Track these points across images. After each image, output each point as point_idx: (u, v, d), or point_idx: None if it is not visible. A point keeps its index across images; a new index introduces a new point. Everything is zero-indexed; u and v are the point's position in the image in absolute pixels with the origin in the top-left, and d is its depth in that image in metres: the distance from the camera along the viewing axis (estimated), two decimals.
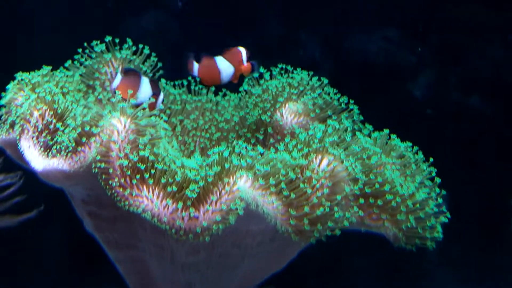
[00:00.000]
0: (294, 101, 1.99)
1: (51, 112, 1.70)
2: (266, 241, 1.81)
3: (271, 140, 2.00)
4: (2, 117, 1.81)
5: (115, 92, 1.75)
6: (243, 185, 1.53)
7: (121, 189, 1.56)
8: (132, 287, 1.98)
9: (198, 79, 2.05)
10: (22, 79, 1.81)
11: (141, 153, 1.56)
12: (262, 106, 2.01)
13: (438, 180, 1.78)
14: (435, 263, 2.72)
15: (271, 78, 2.04)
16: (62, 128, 1.66)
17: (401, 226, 1.67)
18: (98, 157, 1.57)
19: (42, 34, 2.69)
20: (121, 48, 2.02)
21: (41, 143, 1.67)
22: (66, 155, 1.61)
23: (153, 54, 2.06)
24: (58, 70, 1.94)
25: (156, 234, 1.74)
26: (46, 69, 1.87)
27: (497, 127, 2.71)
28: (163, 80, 2.11)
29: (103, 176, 1.57)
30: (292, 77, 2.01)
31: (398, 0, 2.73)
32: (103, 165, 1.57)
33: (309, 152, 1.60)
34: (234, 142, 1.62)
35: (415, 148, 1.83)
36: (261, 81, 2.05)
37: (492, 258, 2.71)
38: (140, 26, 2.76)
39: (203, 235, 1.54)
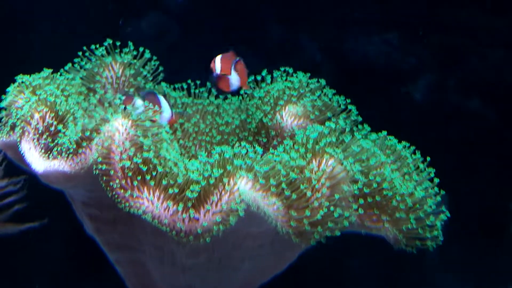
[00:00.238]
0: (294, 104, 1.99)
1: (52, 114, 1.70)
2: (266, 244, 1.81)
3: (274, 142, 2.00)
4: (3, 119, 1.81)
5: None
6: (244, 186, 1.53)
7: (122, 191, 1.56)
8: None
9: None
10: (22, 82, 1.81)
11: (142, 155, 1.57)
12: (263, 109, 2.02)
13: (437, 180, 1.78)
14: (435, 265, 2.72)
15: (272, 81, 2.04)
16: (63, 130, 1.67)
17: (401, 227, 1.67)
18: (99, 159, 1.57)
19: (42, 36, 2.70)
20: (121, 51, 2.03)
21: (42, 145, 1.67)
22: (67, 157, 1.61)
23: (154, 57, 2.06)
24: (59, 73, 1.94)
25: (157, 237, 1.74)
26: (46, 71, 1.87)
27: (497, 129, 2.72)
28: (163, 84, 2.11)
29: (104, 178, 1.57)
30: (292, 80, 2.02)
31: (398, 3, 2.73)
32: (104, 166, 1.57)
33: (309, 153, 1.60)
34: (235, 144, 1.62)
35: (415, 149, 1.83)
36: (262, 84, 2.05)
37: (492, 260, 2.71)
38: (140, 28, 2.77)
39: (204, 236, 1.54)
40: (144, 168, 1.56)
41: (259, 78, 2.05)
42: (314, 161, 1.58)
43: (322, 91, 2.01)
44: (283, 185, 1.54)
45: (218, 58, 1.89)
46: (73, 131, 1.64)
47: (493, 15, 2.72)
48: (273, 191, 1.54)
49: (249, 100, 2.07)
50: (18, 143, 1.70)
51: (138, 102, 1.79)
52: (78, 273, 2.75)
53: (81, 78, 1.99)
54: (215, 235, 1.55)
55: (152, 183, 1.56)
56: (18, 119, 1.71)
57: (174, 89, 2.15)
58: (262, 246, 1.82)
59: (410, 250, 1.71)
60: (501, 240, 2.74)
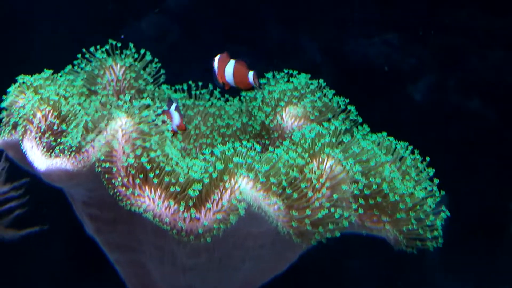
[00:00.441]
0: (295, 105, 1.99)
1: (55, 113, 1.70)
2: (267, 244, 1.82)
3: (277, 143, 2.00)
4: (3, 119, 1.81)
5: None
6: (245, 186, 1.54)
7: (124, 189, 1.57)
8: None
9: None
10: (23, 82, 1.81)
11: (145, 153, 1.57)
12: (264, 110, 2.02)
13: (436, 181, 1.78)
14: (436, 265, 2.72)
15: (272, 82, 2.04)
16: (65, 129, 1.67)
17: (402, 228, 1.68)
18: (102, 157, 1.57)
19: (42, 36, 2.70)
20: (121, 53, 2.03)
21: (44, 144, 1.67)
22: (70, 155, 1.61)
23: (155, 59, 2.06)
24: (59, 74, 1.94)
25: (157, 236, 1.74)
26: (47, 72, 1.88)
27: (497, 129, 2.72)
28: (164, 86, 2.11)
29: (106, 175, 1.58)
30: (292, 81, 2.02)
31: (398, 4, 2.73)
32: (106, 164, 1.57)
33: (309, 153, 1.60)
34: (236, 143, 1.63)
35: (415, 150, 1.83)
36: (264, 86, 2.05)
37: (492, 260, 2.72)
38: (140, 29, 2.77)
39: (205, 235, 1.55)
40: (146, 167, 1.57)
41: (261, 80, 2.06)
42: (314, 161, 1.59)
43: (322, 92, 2.01)
44: (284, 185, 1.54)
45: (216, 59, 1.90)
46: (75, 129, 1.64)
47: (493, 15, 2.72)
48: (274, 191, 1.54)
49: (250, 101, 2.08)
50: (20, 142, 1.70)
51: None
52: (78, 273, 2.75)
53: (82, 80, 1.99)
54: (216, 235, 1.55)
55: (154, 181, 1.56)
56: (20, 117, 1.71)
57: (175, 90, 2.15)
58: (263, 246, 1.82)
59: (411, 250, 1.71)
60: (501, 240, 2.74)
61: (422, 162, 1.82)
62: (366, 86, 2.74)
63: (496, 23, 2.72)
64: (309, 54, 2.78)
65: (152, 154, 1.57)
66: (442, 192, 1.77)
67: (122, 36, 2.47)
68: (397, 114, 2.75)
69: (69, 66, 2.00)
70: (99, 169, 1.58)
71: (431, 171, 1.80)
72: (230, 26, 2.75)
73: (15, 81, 1.83)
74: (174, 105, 1.82)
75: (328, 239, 1.60)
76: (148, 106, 1.64)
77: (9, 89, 1.81)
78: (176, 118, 1.81)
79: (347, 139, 1.67)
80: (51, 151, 1.66)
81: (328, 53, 2.78)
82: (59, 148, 1.64)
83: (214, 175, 1.55)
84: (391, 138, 1.85)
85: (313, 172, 1.57)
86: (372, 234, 1.71)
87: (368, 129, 1.92)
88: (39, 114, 1.69)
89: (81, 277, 2.72)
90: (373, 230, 1.69)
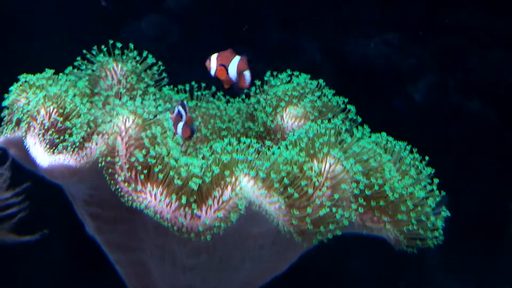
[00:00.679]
0: (295, 105, 2.00)
1: (60, 111, 1.71)
2: (267, 244, 1.82)
3: (277, 143, 2.00)
4: (5, 118, 1.81)
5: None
6: (246, 184, 1.54)
7: (126, 184, 1.57)
8: None
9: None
10: (26, 81, 1.81)
11: (147, 150, 1.58)
12: (265, 111, 2.02)
13: (436, 181, 1.78)
14: (436, 265, 2.72)
15: (272, 83, 2.05)
16: (69, 126, 1.67)
17: (402, 228, 1.68)
18: (105, 152, 1.58)
19: (42, 36, 2.70)
20: (123, 53, 2.03)
21: (47, 141, 1.68)
22: (73, 151, 1.62)
23: (156, 61, 2.06)
24: (60, 74, 1.94)
25: (158, 235, 1.74)
26: (49, 72, 1.88)
27: (497, 129, 2.72)
28: (164, 89, 2.11)
29: (109, 170, 1.58)
30: (292, 81, 2.02)
31: (398, 4, 2.73)
32: (109, 159, 1.58)
33: (309, 153, 1.61)
34: (237, 141, 1.63)
35: (415, 150, 1.84)
36: (264, 87, 2.06)
37: (492, 260, 2.72)
38: (140, 29, 2.77)
39: (205, 233, 1.55)
40: (149, 163, 1.57)
41: (260, 80, 2.06)
42: (314, 160, 1.59)
43: (322, 92, 2.01)
44: (285, 184, 1.55)
45: (214, 57, 1.88)
46: (79, 126, 1.65)
47: (493, 15, 2.72)
48: (275, 189, 1.55)
49: (251, 102, 2.08)
50: (24, 138, 1.70)
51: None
52: (78, 273, 2.75)
53: (84, 80, 2.00)
54: (216, 233, 1.55)
55: (155, 178, 1.57)
56: (24, 114, 1.72)
57: (178, 91, 2.15)
58: (263, 247, 1.82)
59: (411, 250, 1.71)
60: (501, 240, 2.74)
61: (421, 162, 1.82)
62: (366, 86, 2.74)
63: (496, 23, 2.72)
64: (309, 54, 2.78)
65: (154, 151, 1.58)
66: (443, 193, 1.77)
67: (124, 34, 2.48)
68: (397, 114, 2.75)
69: (70, 67, 2.01)
70: (103, 163, 1.58)
71: (431, 171, 1.80)
72: (230, 26, 2.75)
73: (15, 81, 1.83)
74: (183, 114, 1.81)
75: (329, 239, 1.60)
76: (150, 104, 1.64)
77: (11, 88, 1.81)
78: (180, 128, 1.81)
79: (347, 139, 1.67)
80: (54, 148, 1.67)
81: (328, 53, 2.78)
82: (62, 145, 1.65)
83: (216, 172, 1.56)
84: (391, 138, 1.85)
85: (314, 171, 1.57)
86: (373, 234, 1.72)
87: (368, 129, 1.92)
88: (43, 111, 1.70)
89: (81, 277, 2.72)
90: (374, 230, 1.70)
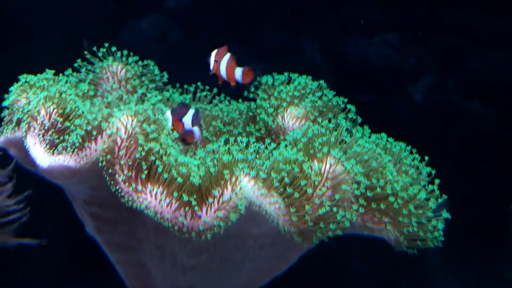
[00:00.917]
0: (296, 105, 2.00)
1: (59, 111, 1.70)
2: (267, 244, 1.82)
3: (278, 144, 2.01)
4: (5, 118, 1.81)
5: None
6: (246, 184, 1.54)
7: (126, 185, 1.57)
8: None
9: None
10: (26, 81, 1.81)
11: (148, 150, 1.58)
12: (266, 112, 2.03)
13: (437, 181, 1.78)
14: (436, 266, 2.72)
15: (273, 84, 2.05)
16: (69, 126, 1.67)
17: (403, 229, 1.68)
18: (105, 152, 1.58)
19: (42, 36, 2.70)
20: (122, 55, 2.04)
21: (47, 141, 1.68)
22: (73, 152, 1.62)
23: (157, 63, 2.06)
24: (61, 75, 1.94)
25: (158, 235, 1.75)
26: (49, 72, 1.88)
27: (497, 132, 2.72)
28: (165, 93, 2.11)
29: (109, 171, 1.58)
30: (293, 82, 2.03)
31: (398, 4, 2.73)
32: (109, 160, 1.58)
33: (310, 153, 1.61)
34: (237, 140, 1.63)
35: (415, 151, 1.84)
36: (265, 87, 2.06)
37: (492, 262, 2.72)
38: (140, 29, 2.77)
39: (205, 233, 1.55)
40: (149, 163, 1.57)
41: (262, 80, 2.06)
42: (315, 160, 1.59)
43: (322, 92, 2.01)
44: (285, 184, 1.55)
45: (213, 54, 1.91)
46: (79, 127, 1.65)
47: (493, 15, 2.72)
48: (275, 189, 1.55)
49: (252, 102, 2.08)
50: (24, 138, 1.70)
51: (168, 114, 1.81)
52: (78, 273, 2.75)
53: (85, 82, 2.00)
54: (217, 233, 1.55)
55: (156, 178, 1.57)
56: (24, 114, 1.72)
57: (181, 93, 2.15)
58: (263, 247, 1.82)
59: (411, 251, 1.71)
60: (501, 241, 2.74)
61: (421, 162, 1.82)
62: (366, 86, 2.74)
63: (496, 23, 2.72)
64: (309, 54, 2.78)
65: (155, 151, 1.58)
66: (444, 197, 1.77)
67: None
68: (397, 114, 2.75)
69: (70, 68, 2.01)
70: (103, 163, 1.58)
71: (431, 172, 1.80)
72: (230, 26, 2.75)
73: (15, 81, 1.83)
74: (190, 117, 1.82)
75: (329, 240, 1.60)
76: (151, 104, 1.65)
77: (11, 88, 1.81)
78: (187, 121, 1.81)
79: (348, 139, 1.67)
80: (53, 148, 1.67)
81: (328, 53, 2.78)
82: (62, 145, 1.65)
83: (216, 172, 1.56)
84: (391, 139, 1.85)
85: (314, 171, 1.58)
86: (373, 234, 1.72)
87: (369, 130, 1.92)
88: (43, 111, 1.69)
89: (81, 277, 2.72)
90: (374, 231, 1.70)
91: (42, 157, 1.66)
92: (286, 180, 1.56)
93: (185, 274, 1.84)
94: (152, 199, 1.57)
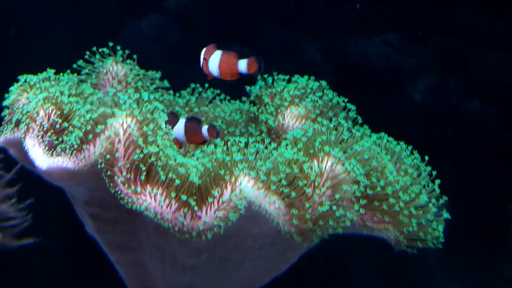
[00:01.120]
0: (296, 105, 2.00)
1: (58, 112, 1.70)
2: (267, 244, 1.82)
3: (278, 143, 2.01)
4: (5, 117, 1.81)
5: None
6: (246, 184, 1.54)
7: (125, 186, 1.57)
8: None
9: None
10: (26, 81, 1.81)
11: (146, 151, 1.57)
12: (266, 112, 2.03)
13: (437, 181, 1.78)
14: (436, 266, 2.72)
15: (273, 84, 2.05)
16: (67, 127, 1.67)
17: (403, 229, 1.68)
18: (104, 154, 1.58)
19: (42, 36, 2.70)
20: (122, 55, 2.04)
21: (46, 142, 1.67)
22: (71, 153, 1.61)
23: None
24: (61, 75, 1.94)
25: (158, 236, 1.74)
26: (49, 72, 1.88)
27: (497, 132, 2.72)
28: (167, 96, 2.11)
29: (108, 173, 1.58)
30: (293, 82, 2.03)
31: (398, 4, 2.73)
32: (108, 162, 1.58)
33: (310, 153, 1.61)
34: (237, 140, 1.63)
35: (415, 150, 1.84)
36: (265, 87, 2.06)
37: (492, 262, 2.72)
38: (140, 29, 2.77)
39: (206, 233, 1.55)
40: (148, 164, 1.57)
41: (261, 80, 2.06)
42: (315, 160, 1.59)
43: (323, 92, 2.01)
44: (285, 184, 1.55)
45: (202, 52, 1.92)
46: (77, 128, 1.64)
47: (493, 15, 2.72)
48: (275, 189, 1.55)
49: (252, 103, 2.08)
50: (22, 140, 1.70)
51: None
52: (78, 273, 2.75)
53: (85, 82, 2.00)
54: (217, 233, 1.55)
55: (155, 179, 1.57)
56: (23, 115, 1.71)
57: (180, 95, 2.15)
58: (263, 247, 1.82)
59: (411, 251, 1.71)
60: (501, 241, 2.74)
61: (421, 162, 1.82)
62: (366, 86, 2.74)
63: (496, 23, 2.72)
64: (309, 54, 2.78)
65: (154, 152, 1.58)
66: (445, 198, 1.77)
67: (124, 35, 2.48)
68: (397, 114, 2.75)
69: (69, 70, 2.01)
70: (102, 165, 1.58)
71: (431, 172, 1.80)
72: (230, 26, 2.75)
73: (15, 81, 1.83)
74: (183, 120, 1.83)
75: (329, 239, 1.60)
76: (149, 106, 1.64)
77: (11, 88, 1.81)
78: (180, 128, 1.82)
79: (348, 138, 1.67)
80: (52, 149, 1.66)
81: (328, 53, 2.78)
82: (60, 147, 1.64)
83: (216, 173, 1.56)
84: (391, 139, 1.85)
85: (314, 171, 1.58)
86: (373, 234, 1.72)
87: (369, 129, 1.92)
88: (42, 112, 1.69)
89: (81, 277, 2.72)
90: (374, 230, 1.69)
91: (41, 158, 1.65)
92: (286, 180, 1.56)
93: (185, 274, 1.84)
94: (152, 200, 1.57)
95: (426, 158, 1.82)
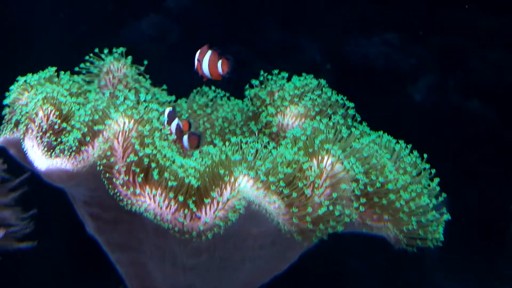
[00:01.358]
0: (296, 104, 2.00)
1: (57, 113, 1.70)
2: (267, 244, 1.82)
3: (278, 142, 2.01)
4: (6, 117, 1.81)
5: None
6: (245, 184, 1.54)
7: (124, 188, 1.57)
8: None
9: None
10: (26, 80, 1.81)
11: (145, 152, 1.57)
12: (266, 111, 2.03)
13: (437, 180, 1.78)
14: (436, 265, 2.72)
15: (273, 83, 2.05)
16: (66, 128, 1.67)
17: (402, 227, 1.68)
18: (102, 156, 1.58)
19: (42, 36, 2.70)
20: (123, 54, 2.04)
21: (45, 143, 1.67)
22: (70, 155, 1.61)
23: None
24: (61, 76, 1.94)
25: (158, 236, 1.74)
26: (49, 72, 1.88)
27: (497, 132, 2.72)
28: (165, 96, 2.12)
29: (107, 175, 1.58)
30: (293, 81, 2.03)
31: (398, 4, 2.74)
32: (107, 164, 1.57)
33: (309, 151, 1.61)
34: (236, 140, 1.63)
35: (415, 150, 1.84)
36: (264, 86, 2.06)
37: (492, 262, 2.72)
38: (140, 29, 2.77)
39: (205, 233, 1.55)
40: (147, 166, 1.57)
41: (261, 79, 2.06)
42: (314, 159, 1.59)
43: (322, 91, 2.01)
44: (284, 183, 1.55)
45: (196, 54, 1.92)
46: (76, 129, 1.64)
47: (493, 15, 2.72)
48: (274, 188, 1.55)
49: (252, 103, 2.08)
50: (22, 141, 1.70)
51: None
52: (78, 273, 2.75)
53: (84, 82, 2.00)
54: (217, 233, 1.55)
55: (154, 180, 1.57)
56: (22, 115, 1.71)
57: (179, 96, 2.16)
58: (263, 247, 1.82)
59: (411, 250, 1.71)
60: (501, 241, 2.74)
61: (421, 161, 1.82)
62: (366, 86, 2.74)
63: (496, 23, 2.72)
64: (309, 54, 2.78)
65: (152, 153, 1.58)
66: (444, 195, 1.77)
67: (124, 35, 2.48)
68: (397, 114, 2.75)
69: (69, 70, 2.01)
70: (101, 167, 1.58)
71: (431, 171, 1.80)
72: (230, 26, 2.76)
73: (15, 81, 1.83)
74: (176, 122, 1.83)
75: (328, 238, 1.60)
76: (147, 107, 1.64)
77: (12, 87, 1.81)
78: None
79: (347, 136, 1.68)
80: (51, 150, 1.66)
81: (328, 53, 2.78)
82: (59, 148, 1.64)
83: (215, 172, 1.56)
84: (390, 138, 1.85)
85: (313, 170, 1.57)
86: (372, 232, 1.72)
87: (369, 129, 1.93)
88: (41, 113, 1.69)
89: (81, 277, 2.72)
90: (374, 229, 1.69)
91: (40, 160, 1.65)
92: (285, 179, 1.56)
93: (185, 274, 1.84)
94: (151, 201, 1.57)
95: (425, 156, 1.82)
